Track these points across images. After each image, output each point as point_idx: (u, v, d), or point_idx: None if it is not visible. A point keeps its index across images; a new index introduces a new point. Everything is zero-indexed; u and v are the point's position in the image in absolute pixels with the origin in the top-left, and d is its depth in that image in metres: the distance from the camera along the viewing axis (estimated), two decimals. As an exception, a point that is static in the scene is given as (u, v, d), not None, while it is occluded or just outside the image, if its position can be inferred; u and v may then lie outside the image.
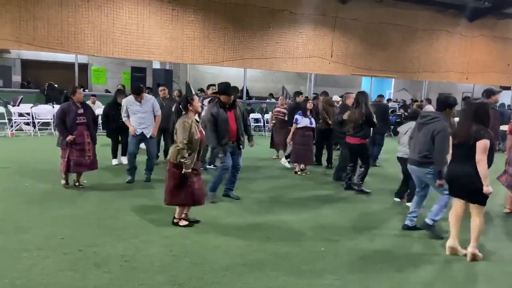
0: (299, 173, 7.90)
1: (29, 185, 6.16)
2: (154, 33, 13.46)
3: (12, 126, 11.15)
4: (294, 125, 7.73)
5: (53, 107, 12.16)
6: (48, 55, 15.39)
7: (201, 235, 4.47)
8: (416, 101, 18.31)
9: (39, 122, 11.58)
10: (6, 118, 11.07)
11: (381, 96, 9.94)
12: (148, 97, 6.69)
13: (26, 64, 18.73)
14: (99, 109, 10.82)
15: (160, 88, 8.34)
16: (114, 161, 7.99)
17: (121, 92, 8.62)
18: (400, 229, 5.03)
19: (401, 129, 6.20)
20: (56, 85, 13.84)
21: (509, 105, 18.60)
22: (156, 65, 14.99)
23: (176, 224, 4.71)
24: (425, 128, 4.64)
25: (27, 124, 11.59)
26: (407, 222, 5.03)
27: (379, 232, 4.98)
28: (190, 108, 4.59)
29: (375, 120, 6.45)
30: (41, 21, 12.18)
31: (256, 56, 14.89)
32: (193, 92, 13.12)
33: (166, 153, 7.66)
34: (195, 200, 4.67)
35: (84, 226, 4.57)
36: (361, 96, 6.51)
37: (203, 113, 7.22)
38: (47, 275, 3.42)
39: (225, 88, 5.62)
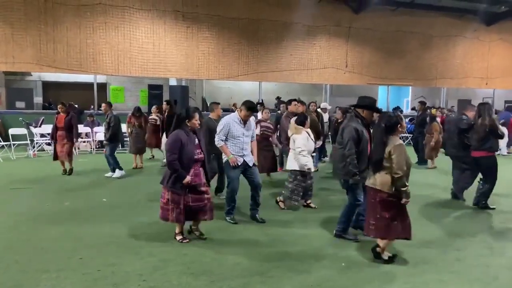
0: None
1: (50, 205, 6.25)
2: (170, 51, 13.72)
3: (34, 147, 11.42)
4: None
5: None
6: (68, 76, 15.83)
7: (220, 253, 4.43)
8: (431, 108, 17.96)
9: (60, 142, 11.80)
10: (28, 139, 11.35)
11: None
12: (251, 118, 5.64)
13: (47, 86, 19.31)
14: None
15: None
16: None
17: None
18: None
19: None
20: (76, 106, 14.16)
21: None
22: (173, 82, 15.20)
23: (381, 258, 4.20)
24: None
25: (49, 144, 11.85)
26: None
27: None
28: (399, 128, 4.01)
29: (500, 131, 6.35)
30: (60, 44, 12.57)
31: (271, 69, 14.98)
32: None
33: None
34: (410, 233, 4.16)
35: (103, 245, 4.59)
36: (483, 107, 6.41)
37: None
38: (66, 296, 3.44)
39: (371, 103, 4.70)
